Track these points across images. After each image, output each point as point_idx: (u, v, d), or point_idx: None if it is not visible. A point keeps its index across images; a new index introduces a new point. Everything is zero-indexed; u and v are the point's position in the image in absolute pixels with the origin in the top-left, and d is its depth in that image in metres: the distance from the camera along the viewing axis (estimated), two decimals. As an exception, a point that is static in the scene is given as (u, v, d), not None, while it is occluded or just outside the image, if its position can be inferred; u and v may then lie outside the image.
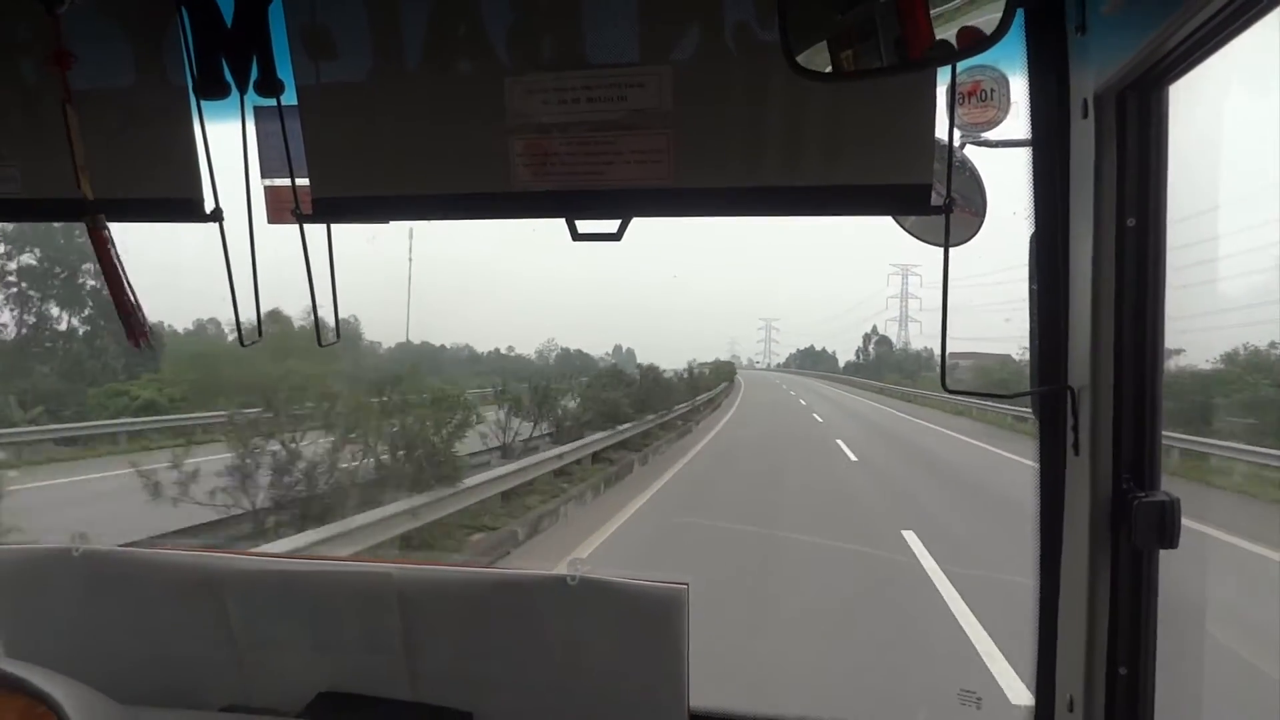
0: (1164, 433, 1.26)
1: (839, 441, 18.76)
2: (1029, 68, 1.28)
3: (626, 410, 17.49)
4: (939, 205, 1.25)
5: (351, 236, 1.65)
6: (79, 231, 1.54)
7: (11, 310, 20.43)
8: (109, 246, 1.38)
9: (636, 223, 1.38)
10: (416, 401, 10.71)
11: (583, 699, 1.37)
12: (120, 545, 1.57)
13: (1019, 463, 13.80)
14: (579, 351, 41.28)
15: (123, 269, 1.38)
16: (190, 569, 1.47)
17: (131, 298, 1.39)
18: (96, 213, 1.38)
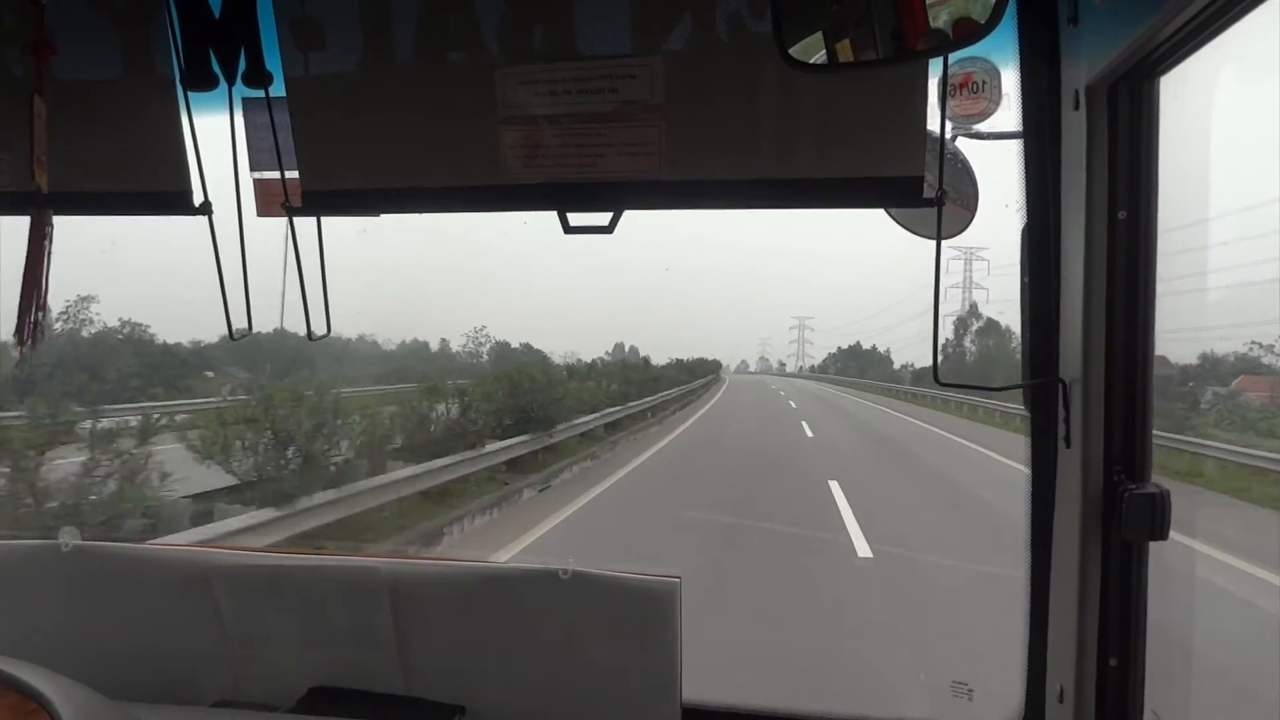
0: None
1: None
2: (1020, 59, 1.28)
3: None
4: (931, 198, 1.25)
5: (342, 229, 1.62)
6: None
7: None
8: (45, 242, 1.39)
9: (655, 217, 1.37)
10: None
11: (575, 692, 1.37)
12: (110, 541, 1.56)
13: None
14: (527, 346, 32.25)
15: (48, 270, 1.39)
16: (180, 564, 1.47)
17: (43, 300, 1.40)
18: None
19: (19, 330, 1.39)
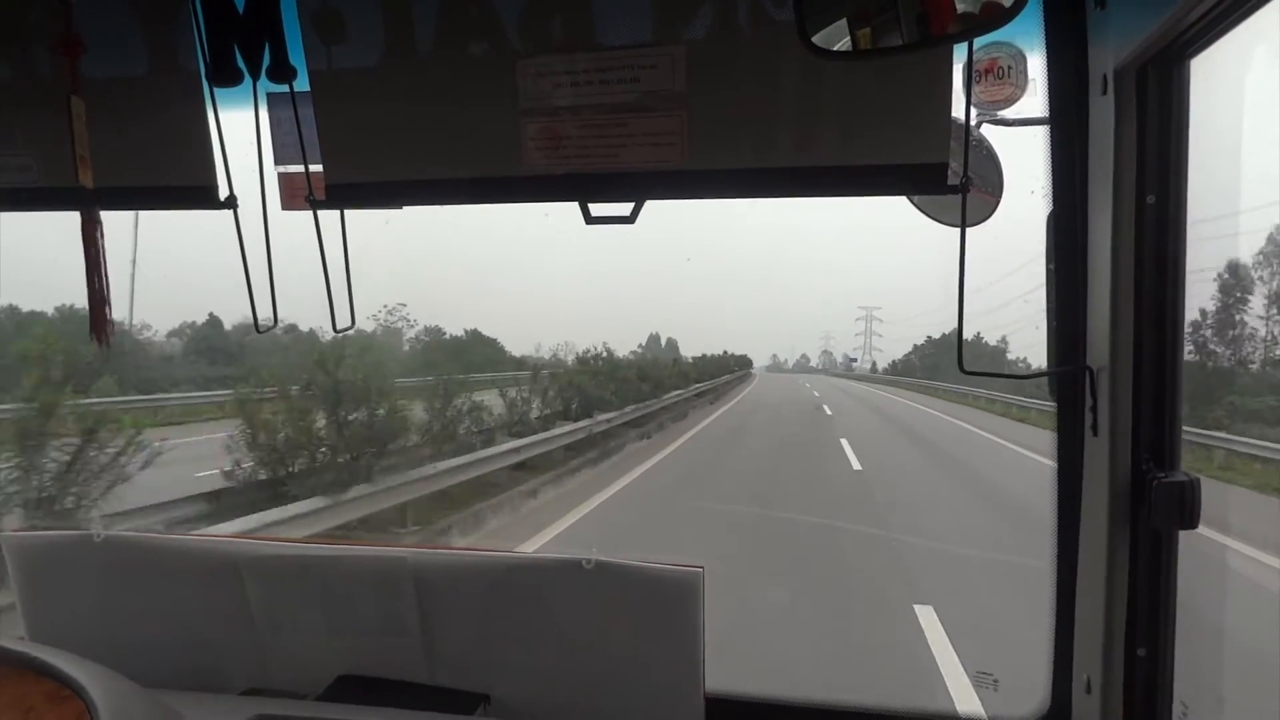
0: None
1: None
2: (1047, 44, 1.26)
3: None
4: (955, 185, 1.24)
5: (366, 221, 1.61)
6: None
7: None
8: (98, 238, 1.40)
9: (700, 208, 1.38)
10: None
11: (598, 681, 1.38)
12: (140, 532, 1.58)
13: None
14: (475, 332, 24.81)
15: (105, 264, 1.40)
16: (209, 554, 1.49)
17: (106, 294, 1.41)
18: (98, 201, 1.40)
19: (93, 328, 1.41)
